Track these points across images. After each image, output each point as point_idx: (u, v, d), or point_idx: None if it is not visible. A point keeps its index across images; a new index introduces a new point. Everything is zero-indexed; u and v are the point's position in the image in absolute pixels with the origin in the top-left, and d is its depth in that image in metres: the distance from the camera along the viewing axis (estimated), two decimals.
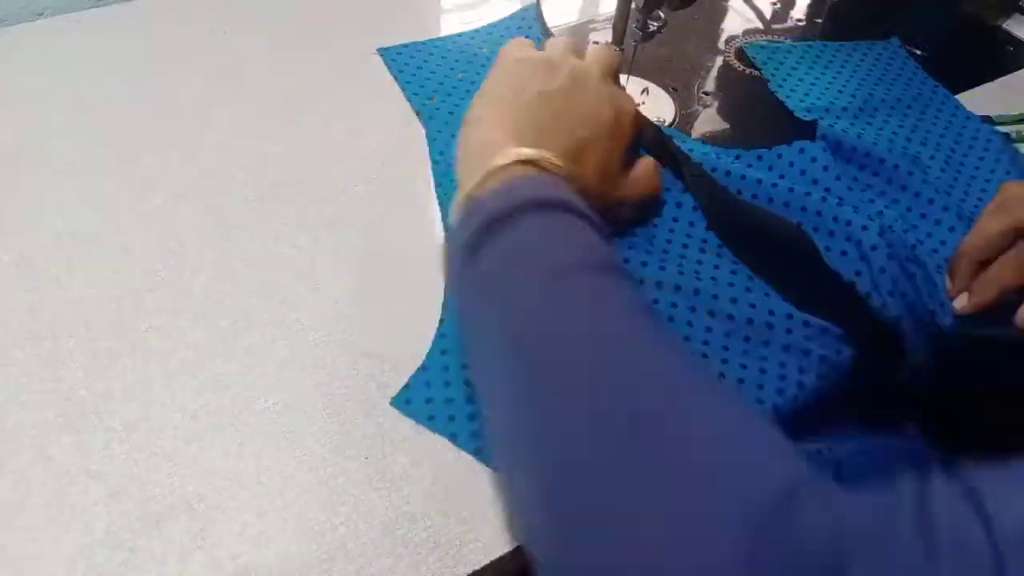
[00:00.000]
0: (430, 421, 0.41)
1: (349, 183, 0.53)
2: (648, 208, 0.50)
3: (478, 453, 0.40)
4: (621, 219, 0.48)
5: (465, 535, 0.38)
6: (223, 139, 0.56)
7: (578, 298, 0.33)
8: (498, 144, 0.40)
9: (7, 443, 0.39)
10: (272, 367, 0.43)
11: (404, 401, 0.42)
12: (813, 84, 0.62)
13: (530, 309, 0.33)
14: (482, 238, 0.36)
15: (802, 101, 0.60)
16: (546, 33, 0.66)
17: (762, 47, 0.66)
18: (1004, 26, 0.72)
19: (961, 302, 0.46)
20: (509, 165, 0.39)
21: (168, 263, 0.48)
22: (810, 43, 0.66)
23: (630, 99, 0.47)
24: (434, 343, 0.44)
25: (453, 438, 0.41)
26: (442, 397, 0.42)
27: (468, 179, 0.40)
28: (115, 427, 0.40)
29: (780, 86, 0.62)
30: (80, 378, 0.42)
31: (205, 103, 0.59)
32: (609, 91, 0.46)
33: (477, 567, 0.37)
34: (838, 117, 0.58)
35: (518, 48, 0.47)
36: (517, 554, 0.37)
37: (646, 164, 0.48)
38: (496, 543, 0.37)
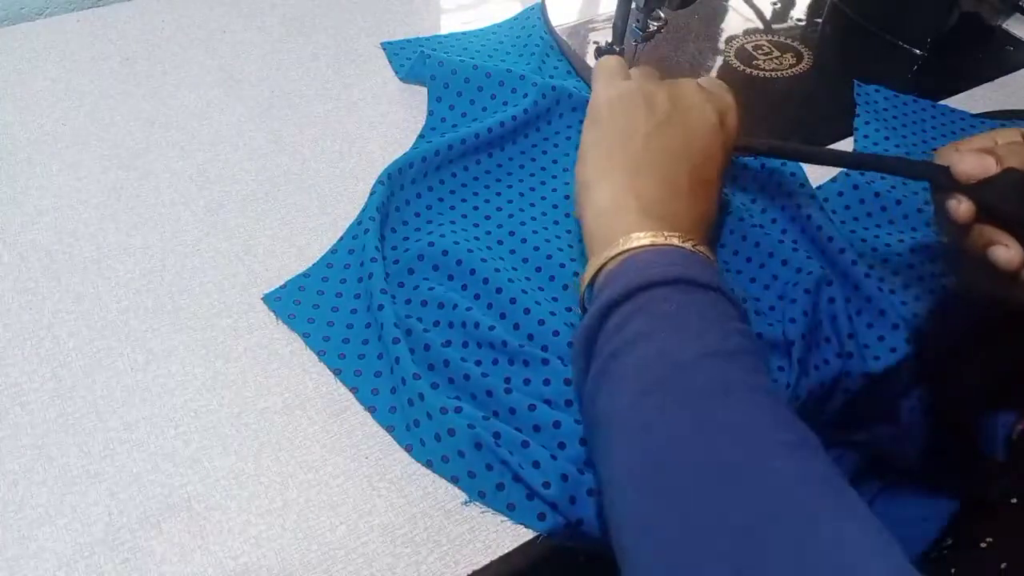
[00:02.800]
0: (291, 319, 0.45)
1: (349, 183, 0.53)
2: None
3: (321, 354, 0.43)
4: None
5: (465, 535, 0.38)
6: (223, 139, 0.56)
7: (705, 397, 0.32)
8: (622, 211, 0.39)
9: (7, 443, 0.39)
10: (272, 367, 0.43)
11: (274, 298, 0.46)
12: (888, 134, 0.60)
13: (659, 395, 0.32)
14: (609, 312, 0.35)
15: (864, 145, 0.59)
16: (550, 33, 0.66)
17: (877, 91, 0.64)
18: (1004, 26, 0.72)
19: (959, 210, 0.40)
20: (627, 222, 0.38)
21: (168, 263, 0.48)
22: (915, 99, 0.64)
23: (726, 91, 0.46)
24: (323, 258, 0.48)
25: (305, 337, 0.44)
26: (310, 303, 0.46)
27: (599, 251, 0.39)
28: (115, 427, 0.40)
29: (866, 123, 0.61)
30: (80, 378, 0.42)
31: (205, 103, 0.59)
32: (705, 95, 0.44)
33: (477, 567, 0.37)
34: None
35: (608, 83, 0.44)
36: (517, 553, 0.37)
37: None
38: (496, 543, 0.37)
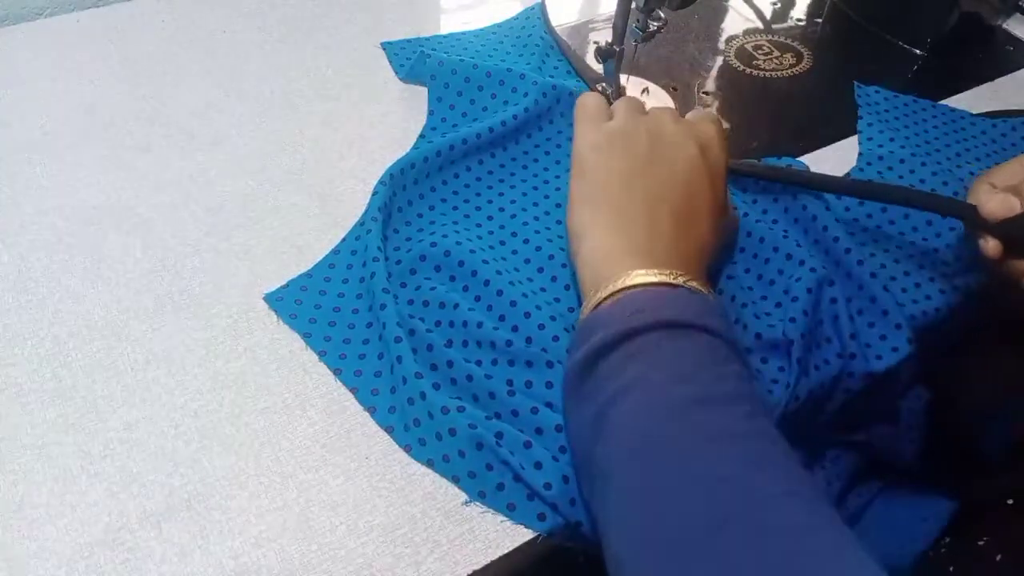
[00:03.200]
0: (292, 319, 0.45)
1: (349, 183, 0.53)
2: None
3: (322, 355, 0.43)
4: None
5: (465, 535, 0.38)
6: (223, 139, 0.56)
7: (698, 439, 0.32)
8: (612, 255, 0.39)
9: (7, 443, 0.39)
10: (272, 367, 0.43)
11: (276, 298, 0.46)
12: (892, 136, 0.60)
13: (653, 445, 0.32)
14: (599, 357, 0.35)
15: (869, 147, 0.59)
16: (550, 33, 0.66)
17: (877, 91, 0.64)
18: (1004, 26, 0.72)
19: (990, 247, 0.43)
20: (620, 263, 0.38)
21: (168, 263, 0.48)
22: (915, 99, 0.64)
23: (709, 121, 0.46)
24: (325, 258, 0.48)
25: (307, 337, 0.44)
26: (311, 303, 0.46)
27: (591, 295, 0.39)
28: (115, 427, 0.40)
29: (869, 125, 0.61)
30: (80, 378, 0.42)
31: (205, 103, 0.59)
32: (685, 129, 0.44)
33: (477, 567, 0.37)
34: (889, 167, 0.56)
35: (588, 129, 0.45)
36: (517, 553, 0.37)
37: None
38: (496, 543, 0.37)
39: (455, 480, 0.39)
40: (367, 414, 0.41)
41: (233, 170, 0.54)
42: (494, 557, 0.37)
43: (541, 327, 0.43)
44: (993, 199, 0.42)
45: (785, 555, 0.28)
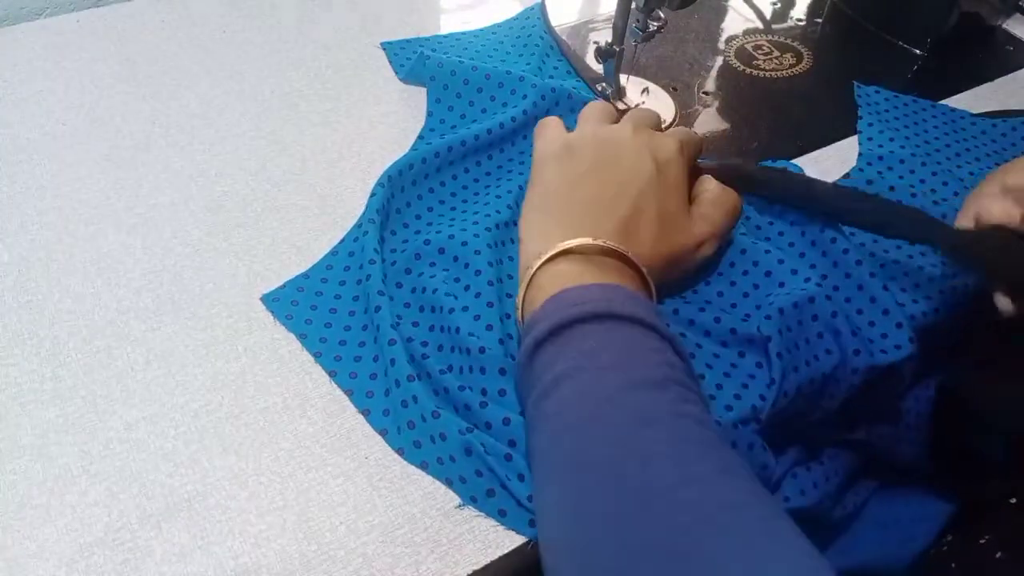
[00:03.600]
0: (288, 320, 0.45)
1: (349, 183, 0.53)
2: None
3: (318, 356, 0.43)
4: (703, 259, 0.45)
5: (465, 535, 0.38)
6: (223, 139, 0.56)
7: (629, 421, 0.33)
8: (544, 248, 0.40)
9: (7, 443, 0.39)
10: (272, 367, 0.43)
11: (272, 299, 0.46)
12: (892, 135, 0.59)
13: (583, 430, 0.33)
14: (540, 348, 0.36)
15: (869, 148, 0.58)
16: (550, 33, 0.66)
17: (877, 91, 0.64)
18: (1004, 26, 0.72)
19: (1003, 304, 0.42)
20: (553, 260, 0.39)
21: (168, 263, 0.48)
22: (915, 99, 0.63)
23: (671, 140, 0.45)
24: (322, 259, 0.48)
25: (302, 338, 0.44)
26: (307, 304, 0.46)
27: (521, 288, 0.40)
28: (115, 427, 0.40)
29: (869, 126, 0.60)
30: (80, 378, 0.42)
31: (205, 103, 0.59)
32: (643, 141, 0.44)
33: (477, 567, 0.37)
34: (889, 168, 0.56)
35: (542, 141, 0.46)
36: (517, 554, 0.37)
37: (712, 194, 0.45)
38: (496, 543, 0.37)
39: (448, 483, 0.39)
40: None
41: (233, 170, 0.54)
42: (494, 557, 0.37)
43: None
44: (996, 205, 0.42)
45: (718, 530, 0.28)
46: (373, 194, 0.49)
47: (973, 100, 0.63)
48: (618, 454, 0.31)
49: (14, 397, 0.41)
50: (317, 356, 0.43)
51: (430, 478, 0.39)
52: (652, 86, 0.63)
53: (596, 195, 0.42)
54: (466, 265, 0.46)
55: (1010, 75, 0.67)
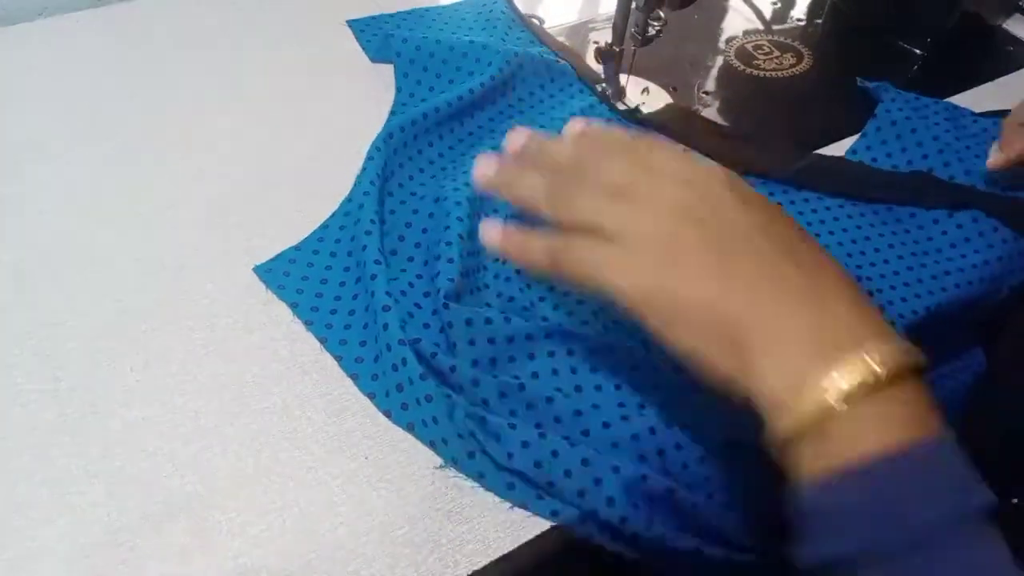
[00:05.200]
0: (280, 290, 0.46)
1: (350, 182, 0.53)
2: None
3: (309, 324, 0.45)
4: None
5: (465, 535, 0.38)
6: (223, 138, 0.56)
7: None
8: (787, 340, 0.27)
9: (7, 443, 0.39)
10: (272, 367, 0.43)
11: (265, 270, 0.47)
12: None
13: None
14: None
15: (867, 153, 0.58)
16: (511, 8, 0.67)
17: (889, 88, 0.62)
18: (1004, 26, 0.72)
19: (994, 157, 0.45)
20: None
21: (168, 263, 0.48)
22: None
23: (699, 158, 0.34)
24: (313, 232, 0.50)
25: (294, 307, 0.45)
26: (299, 274, 0.47)
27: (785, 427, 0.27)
28: (115, 427, 0.40)
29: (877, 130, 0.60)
30: (80, 378, 0.42)
31: (205, 103, 0.59)
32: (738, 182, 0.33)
33: (477, 567, 0.37)
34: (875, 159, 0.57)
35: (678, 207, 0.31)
36: (517, 554, 0.37)
37: None
38: (496, 543, 0.37)
39: (431, 446, 0.40)
40: (367, 414, 0.41)
41: (233, 170, 0.54)
42: (494, 557, 0.37)
43: (497, 277, 0.45)
44: (1020, 137, 0.43)
45: None
46: (364, 168, 0.51)
47: (973, 100, 0.63)
48: None
49: (14, 397, 0.41)
50: (308, 324, 0.45)
51: (430, 478, 0.39)
52: (652, 86, 0.63)
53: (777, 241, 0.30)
54: (446, 228, 0.47)
55: (1010, 75, 0.67)
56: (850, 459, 0.26)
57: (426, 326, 0.43)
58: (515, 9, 0.68)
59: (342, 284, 0.46)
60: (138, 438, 0.40)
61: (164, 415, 0.41)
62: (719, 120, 0.62)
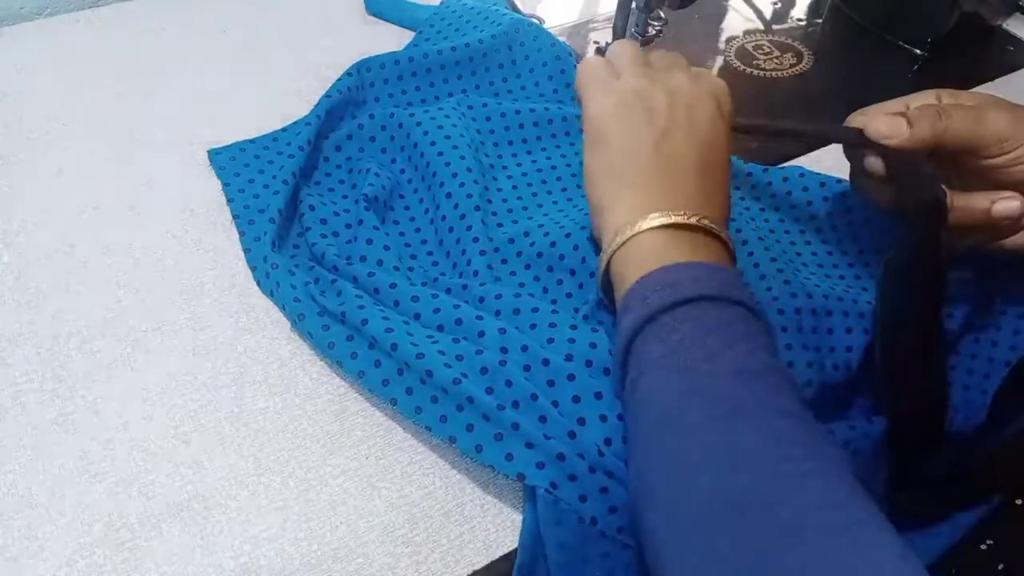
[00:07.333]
0: (221, 171, 0.52)
1: None
2: None
3: (231, 202, 0.50)
4: None
5: (465, 535, 0.38)
6: (223, 139, 0.56)
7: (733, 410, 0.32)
8: (634, 217, 0.38)
9: (7, 443, 0.39)
10: (272, 367, 0.43)
11: (215, 153, 0.53)
12: None
13: (681, 419, 0.33)
14: (635, 335, 0.35)
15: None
16: (512, 9, 0.67)
17: None
18: (1004, 26, 0.72)
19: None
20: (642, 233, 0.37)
21: (168, 263, 0.48)
22: None
23: (725, 91, 0.44)
24: (271, 133, 0.55)
25: (230, 202, 0.50)
26: (242, 162, 0.53)
27: (612, 238, 0.38)
28: (115, 427, 0.40)
29: None
30: (80, 378, 0.42)
31: (205, 103, 0.59)
32: (703, 84, 0.42)
33: (477, 567, 0.37)
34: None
35: (599, 92, 0.42)
36: (517, 554, 0.37)
37: None
38: (496, 543, 0.37)
39: (393, 402, 0.39)
40: (367, 414, 0.41)
41: None
42: (494, 557, 0.37)
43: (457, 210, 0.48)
44: (879, 119, 0.42)
45: (795, 537, 0.27)
46: (328, 95, 0.54)
47: None
48: (706, 452, 0.31)
49: (14, 397, 0.41)
50: (235, 218, 0.49)
51: (430, 478, 0.39)
52: None
53: (677, 158, 0.40)
54: (402, 148, 0.51)
55: (1010, 75, 0.67)
56: (655, 265, 0.36)
57: (336, 235, 0.48)
58: (515, 9, 0.67)
59: (281, 185, 0.49)
60: (138, 438, 0.40)
61: (164, 415, 0.41)
62: None
